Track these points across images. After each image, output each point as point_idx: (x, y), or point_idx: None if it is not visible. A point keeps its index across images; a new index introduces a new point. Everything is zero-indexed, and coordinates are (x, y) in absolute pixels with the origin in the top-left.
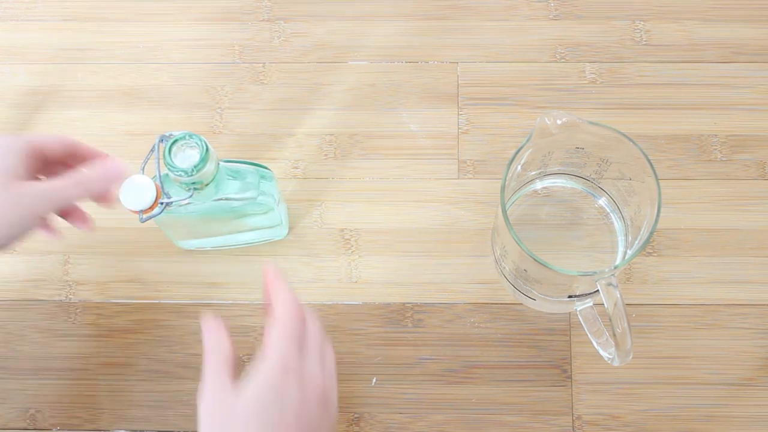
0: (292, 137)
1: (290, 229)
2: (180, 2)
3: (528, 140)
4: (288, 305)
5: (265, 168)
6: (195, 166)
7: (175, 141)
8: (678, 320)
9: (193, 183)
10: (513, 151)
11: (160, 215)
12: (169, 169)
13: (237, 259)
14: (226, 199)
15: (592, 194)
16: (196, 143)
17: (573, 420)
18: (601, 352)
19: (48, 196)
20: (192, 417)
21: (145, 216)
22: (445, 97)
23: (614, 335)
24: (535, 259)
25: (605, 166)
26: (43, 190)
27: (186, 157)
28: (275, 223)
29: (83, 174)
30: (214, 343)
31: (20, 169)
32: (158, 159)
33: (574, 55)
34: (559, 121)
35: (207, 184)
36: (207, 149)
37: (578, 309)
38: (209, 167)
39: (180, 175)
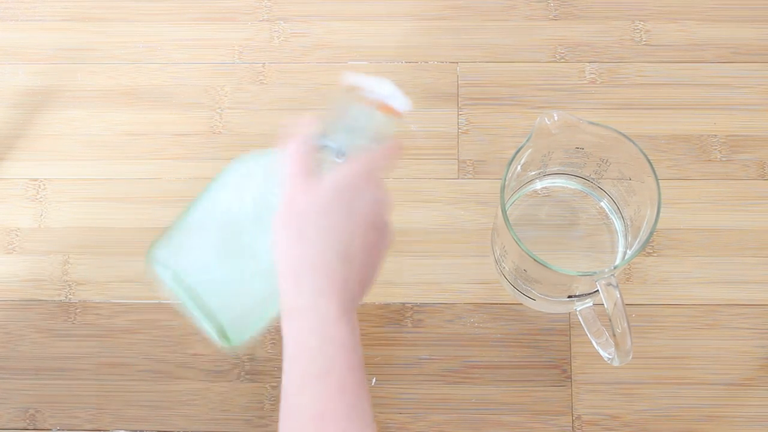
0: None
1: None
2: (180, 2)
3: (528, 140)
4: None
5: None
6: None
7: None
8: (678, 320)
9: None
10: (513, 151)
11: None
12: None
13: None
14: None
15: (592, 194)
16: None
17: (573, 420)
18: (601, 352)
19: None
20: (192, 417)
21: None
22: (445, 97)
23: (614, 335)
24: (535, 259)
25: (605, 166)
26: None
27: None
28: None
29: None
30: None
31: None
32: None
33: (574, 55)
34: (558, 119)
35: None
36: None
37: (578, 309)
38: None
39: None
